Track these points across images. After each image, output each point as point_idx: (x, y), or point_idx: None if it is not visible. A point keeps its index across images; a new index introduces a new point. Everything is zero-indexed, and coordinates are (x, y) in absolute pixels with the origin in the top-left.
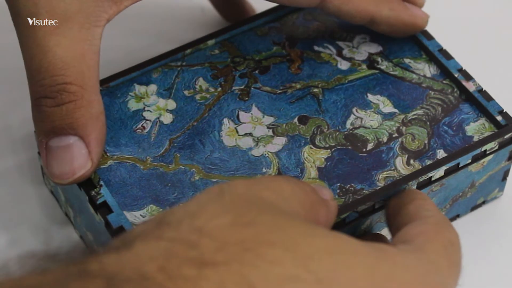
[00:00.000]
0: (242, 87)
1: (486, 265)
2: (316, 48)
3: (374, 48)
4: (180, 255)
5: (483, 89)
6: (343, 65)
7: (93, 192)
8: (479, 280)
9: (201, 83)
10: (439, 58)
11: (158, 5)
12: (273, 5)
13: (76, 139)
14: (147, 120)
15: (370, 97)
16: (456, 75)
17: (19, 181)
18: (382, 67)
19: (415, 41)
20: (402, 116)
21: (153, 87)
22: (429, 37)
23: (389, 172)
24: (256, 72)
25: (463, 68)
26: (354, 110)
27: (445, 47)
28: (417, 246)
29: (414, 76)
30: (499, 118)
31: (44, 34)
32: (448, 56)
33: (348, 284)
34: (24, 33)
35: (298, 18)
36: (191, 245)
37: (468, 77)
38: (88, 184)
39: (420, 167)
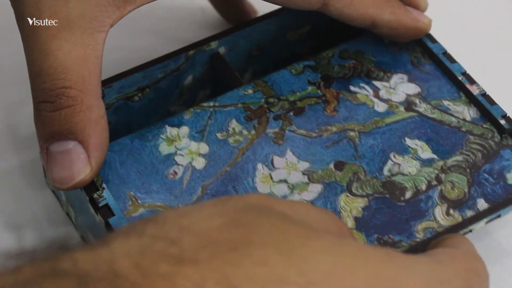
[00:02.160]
0: (276, 129)
1: (499, 279)
2: (352, 88)
3: (412, 89)
4: (157, 252)
5: (487, 93)
6: (380, 107)
7: (96, 194)
8: None
9: (234, 125)
10: (443, 61)
11: (158, 5)
12: (275, 7)
13: (75, 144)
14: (179, 165)
15: (408, 141)
16: (460, 78)
17: (21, 180)
18: (420, 110)
19: (454, 81)
20: (441, 163)
21: (185, 129)
22: (433, 40)
23: (428, 222)
24: (291, 113)
25: (467, 72)
26: (391, 155)
27: (448, 50)
28: (436, 259)
29: (453, 119)
30: (502, 122)
31: (46, 38)
32: (452, 60)
33: (346, 287)
34: (27, 37)
35: (334, 56)
36: (172, 241)
37: (472, 81)
38: (90, 186)
39: (460, 217)
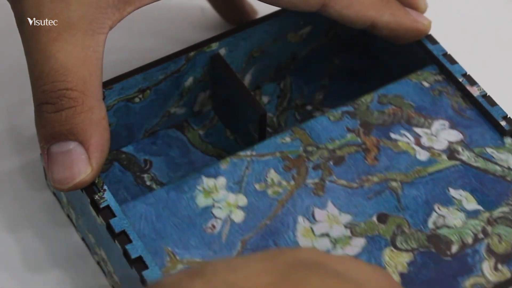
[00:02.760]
0: (316, 180)
1: None
2: (392, 135)
3: (454, 136)
4: None
5: (487, 94)
6: (422, 155)
7: (97, 196)
8: None
9: (272, 175)
10: (444, 62)
11: (158, 6)
12: (275, 8)
13: (76, 144)
14: (217, 218)
15: (452, 192)
16: (460, 80)
17: (22, 182)
18: (463, 158)
19: (496, 127)
20: (487, 214)
21: (222, 180)
22: (434, 42)
23: (476, 278)
24: (331, 163)
25: (467, 73)
26: (435, 207)
27: (448, 50)
28: None
29: (498, 168)
30: (503, 123)
31: (47, 40)
32: (453, 61)
33: None
34: (27, 39)
35: (372, 102)
36: None
37: (472, 82)
38: (91, 188)
39: (509, 273)
